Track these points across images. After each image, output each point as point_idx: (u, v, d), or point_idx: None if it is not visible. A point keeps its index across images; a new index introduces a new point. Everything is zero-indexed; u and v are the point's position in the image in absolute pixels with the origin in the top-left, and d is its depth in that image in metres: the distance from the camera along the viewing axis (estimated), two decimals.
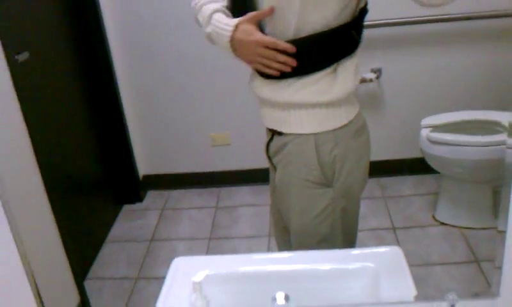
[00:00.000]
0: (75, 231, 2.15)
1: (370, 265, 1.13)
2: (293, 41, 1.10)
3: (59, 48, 2.16)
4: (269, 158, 1.30)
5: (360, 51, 1.20)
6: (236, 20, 1.14)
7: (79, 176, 2.30)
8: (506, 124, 2.07)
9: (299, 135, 1.18)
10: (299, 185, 1.21)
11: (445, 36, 2.35)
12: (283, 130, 1.20)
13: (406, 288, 1.06)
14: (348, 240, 1.30)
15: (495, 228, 2.12)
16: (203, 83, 2.49)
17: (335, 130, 1.17)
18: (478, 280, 1.87)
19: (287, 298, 1.02)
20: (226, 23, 1.15)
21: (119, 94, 2.46)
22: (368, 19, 1.19)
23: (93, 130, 2.43)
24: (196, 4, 1.23)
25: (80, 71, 2.33)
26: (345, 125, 1.17)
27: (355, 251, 1.26)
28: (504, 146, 1.96)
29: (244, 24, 1.13)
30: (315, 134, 1.16)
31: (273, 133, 1.25)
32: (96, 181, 2.48)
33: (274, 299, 1.02)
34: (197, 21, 1.24)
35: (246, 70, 1.25)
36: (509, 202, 0.86)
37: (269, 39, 1.11)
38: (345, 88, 1.15)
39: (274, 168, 1.29)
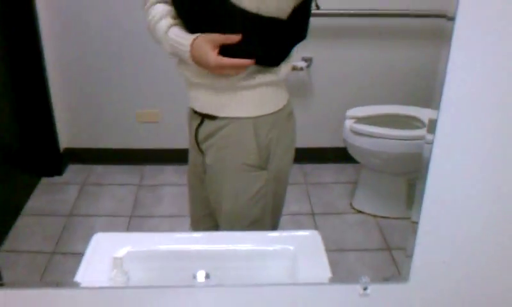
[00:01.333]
0: None
1: (290, 247, 1.17)
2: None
3: None
4: (197, 143, 1.28)
5: None
6: (190, 39, 1.10)
7: None
8: (424, 120, 2.18)
9: (236, 119, 1.17)
10: (235, 168, 1.21)
11: (375, 30, 2.43)
12: (220, 114, 1.18)
13: (322, 270, 1.10)
14: (274, 222, 1.33)
15: (408, 218, 2.24)
16: (134, 57, 2.44)
17: (273, 113, 1.18)
18: (389, 267, 1.97)
19: (207, 276, 1.04)
20: (181, 43, 1.12)
21: (43, 58, 2.35)
22: None
23: (11, 94, 2.31)
24: (149, 23, 1.19)
25: (2, 26, 2.19)
26: (282, 108, 1.20)
27: (275, 233, 1.29)
28: (421, 141, 2.07)
29: (198, 41, 1.09)
30: (254, 118, 1.17)
31: (203, 117, 1.23)
32: (13, 150, 2.36)
33: (195, 277, 1.03)
34: (156, 40, 1.20)
35: None
36: (422, 195, 0.92)
37: (227, 62, 1.06)
38: (285, 69, 1.17)
39: (201, 153, 1.28)
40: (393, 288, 1.00)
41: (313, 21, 2.35)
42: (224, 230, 1.28)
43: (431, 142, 0.87)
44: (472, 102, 0.85)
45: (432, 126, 0.87)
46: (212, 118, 1.19)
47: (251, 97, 1.15)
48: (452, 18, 0.79)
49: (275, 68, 1.14)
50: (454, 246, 0.97)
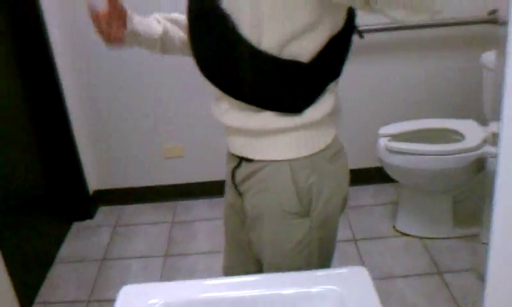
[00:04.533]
0: (21, 252, 2.02)
1: (335, 287, 1.07)
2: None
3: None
4: (235, 185, 1.20)
5: None
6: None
7: (24, 192, 2.15)
8: (463, 132, 2.07)
9: (272, 162, 1.09)
10: (273, 215, 1.11)
11: (402, 43, 2.34)
12: (255, 157, 1.11)
13: None
14: (323, 267, 1.22)
15: (455, 237, 2.12)
16: (156, 94, 2.40)
17: (311, 155, 1.08)
18: (442, 292, 1.85)
19: None
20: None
21: (67, 105, 2.33)
22: None
23: (38, 142, 2.29)
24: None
25: (23, 75, 2.19)
26: (322, 149, 1.09)
27: (319, 273, 1.19)
28: (464, 155, 1.95)
29: None
30: (289, 161, 1.08)
31: (241, 159, 1.15)
32: (43, 197, 2.33)
33: None
34: None
35: (201, 80, 1.17)
36: (492, 213, 0.81)
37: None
38: (322, 109, 1.06)
39: (239, 195, 1.20)
40: None
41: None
42: None
43: (495, 156, 0.77)
44: None
45: (496, 138, 0.77)
46: (249, 160, 1.11)
47: (285, 140, 1.05)
48: (505, 23, 0.70)
49: (305, 111, 1.05)
50: None
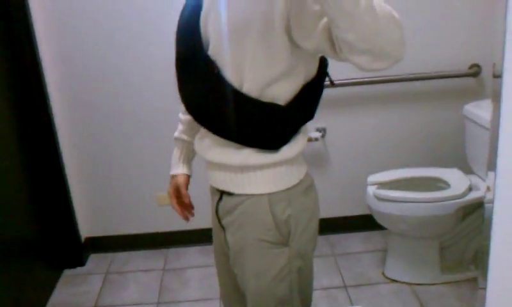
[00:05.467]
0: (10, 299, 2.01)
1: None
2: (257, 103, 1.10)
3: None
4: (218, 219, 1.26)
5: None
6: (174, 172, 1.41)
7: (15, 238, 2.15)
8: (448, 180, 2.16)
9: (251, 196, 1.16)
10: (255, 246, 1.18)
11: (387, 96, 2.44)
12: (236, 191, 1.18)
13: None
14: (305, 301, 1.27)
15: (443, 283, 2.16)
16: (149, 141, 2.44)
17: (287, 189, 1.16)
18: None
19: None
20: (172, 167, 1.42)
21: (60, 151, 2.37)
22: None
23: (30, 188, 2.31)
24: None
25: (17, 122, 2.22)
26: (297, 184, 1.18)
27: None
28: (450, 202, 2.03)
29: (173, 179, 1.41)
30: (268, 194, 1.15)
31: (222, 193, 1.22)
32: (34, 244, 2.33)
33: None
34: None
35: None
36: (488, 258, 0.86)
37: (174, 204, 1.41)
38: (297, 147, 1.17)
39: (223, 229, 1.26)
40: None
41: (324, 91, 2.37)
42: None
43: (491, 202, 0.82)
44: None
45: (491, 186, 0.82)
46: (229, 194, 1.19)
47: (264, 175, 1.15)
48: (498, 76, 0.76)
49: (282, 148, 1.14)
50: None
